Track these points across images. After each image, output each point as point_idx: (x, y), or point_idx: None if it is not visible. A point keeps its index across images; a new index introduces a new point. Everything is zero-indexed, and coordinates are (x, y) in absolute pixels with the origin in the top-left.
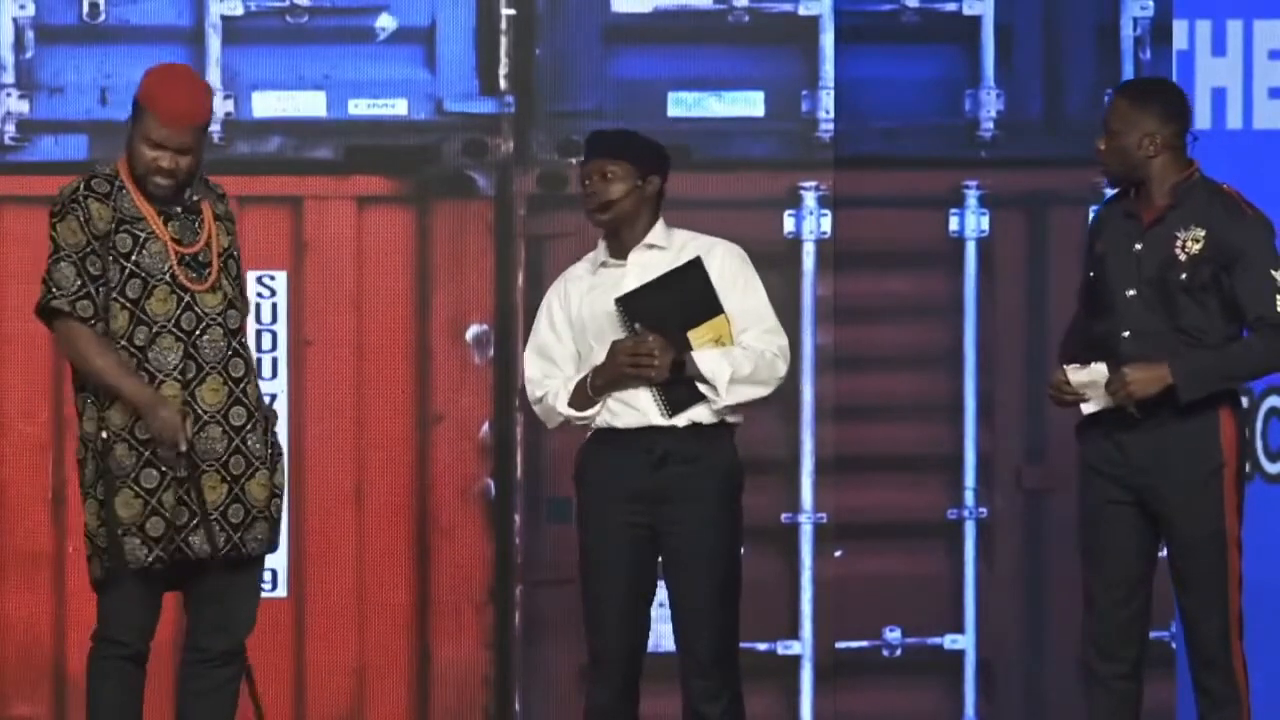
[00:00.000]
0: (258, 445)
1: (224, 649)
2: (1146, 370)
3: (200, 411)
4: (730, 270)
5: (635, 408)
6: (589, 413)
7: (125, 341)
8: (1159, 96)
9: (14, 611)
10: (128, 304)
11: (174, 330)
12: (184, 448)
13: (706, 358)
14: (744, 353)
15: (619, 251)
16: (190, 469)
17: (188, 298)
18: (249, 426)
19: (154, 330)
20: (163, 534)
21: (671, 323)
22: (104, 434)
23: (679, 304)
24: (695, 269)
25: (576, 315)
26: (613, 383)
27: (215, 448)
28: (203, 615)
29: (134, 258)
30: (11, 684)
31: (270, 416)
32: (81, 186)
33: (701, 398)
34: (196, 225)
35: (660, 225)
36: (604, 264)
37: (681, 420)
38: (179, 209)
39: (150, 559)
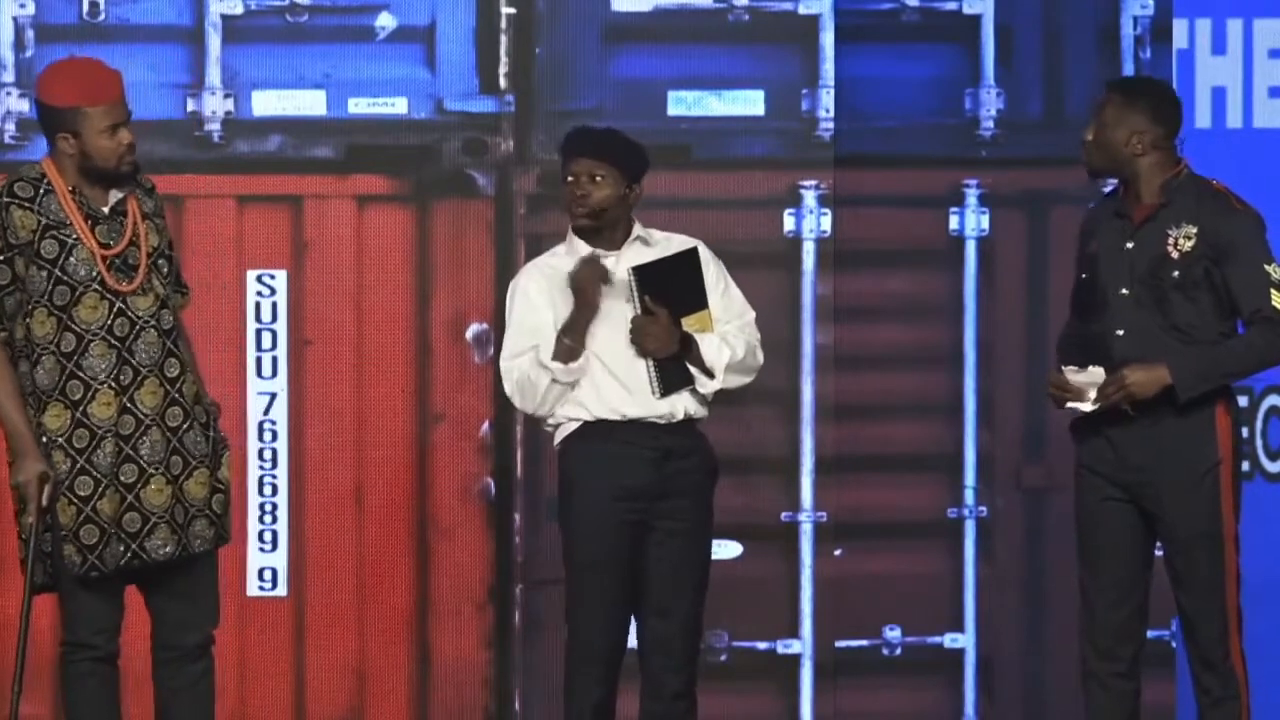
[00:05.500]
0: (195, 443)
1: (194, 644)
2: (1145, 372)
3: (141, 415)
4: (712, 268)
5: (631, 392)
6: (574, 365)
7: (53, 348)
8: (1151, 96)
9: (14, 611)
10: (55, 311)
11: (106, 337)
12: (30, 517)
13: (706, 342)
14: (735, 341)
15: (607, 244)
16: (42, 528)
17: (119, 303)
18: (185, 426)
19: (84, 338)
20: (97, 541)
21: (667, 306)
22: (43, 439)
23: (675, 290)
24: (691, 259)
25: (564, 308)
26: (585, 308)
27: (158, 451)
28: (167, 613)
29: (60, 264)
30: (11, 683)
31: (212, 411)
32: (4, 193)
33: (691, 381)
34: (121, 226)
35: (638, 224)
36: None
37: (679, 413)
38: (105, 210)
39: (84, 567)
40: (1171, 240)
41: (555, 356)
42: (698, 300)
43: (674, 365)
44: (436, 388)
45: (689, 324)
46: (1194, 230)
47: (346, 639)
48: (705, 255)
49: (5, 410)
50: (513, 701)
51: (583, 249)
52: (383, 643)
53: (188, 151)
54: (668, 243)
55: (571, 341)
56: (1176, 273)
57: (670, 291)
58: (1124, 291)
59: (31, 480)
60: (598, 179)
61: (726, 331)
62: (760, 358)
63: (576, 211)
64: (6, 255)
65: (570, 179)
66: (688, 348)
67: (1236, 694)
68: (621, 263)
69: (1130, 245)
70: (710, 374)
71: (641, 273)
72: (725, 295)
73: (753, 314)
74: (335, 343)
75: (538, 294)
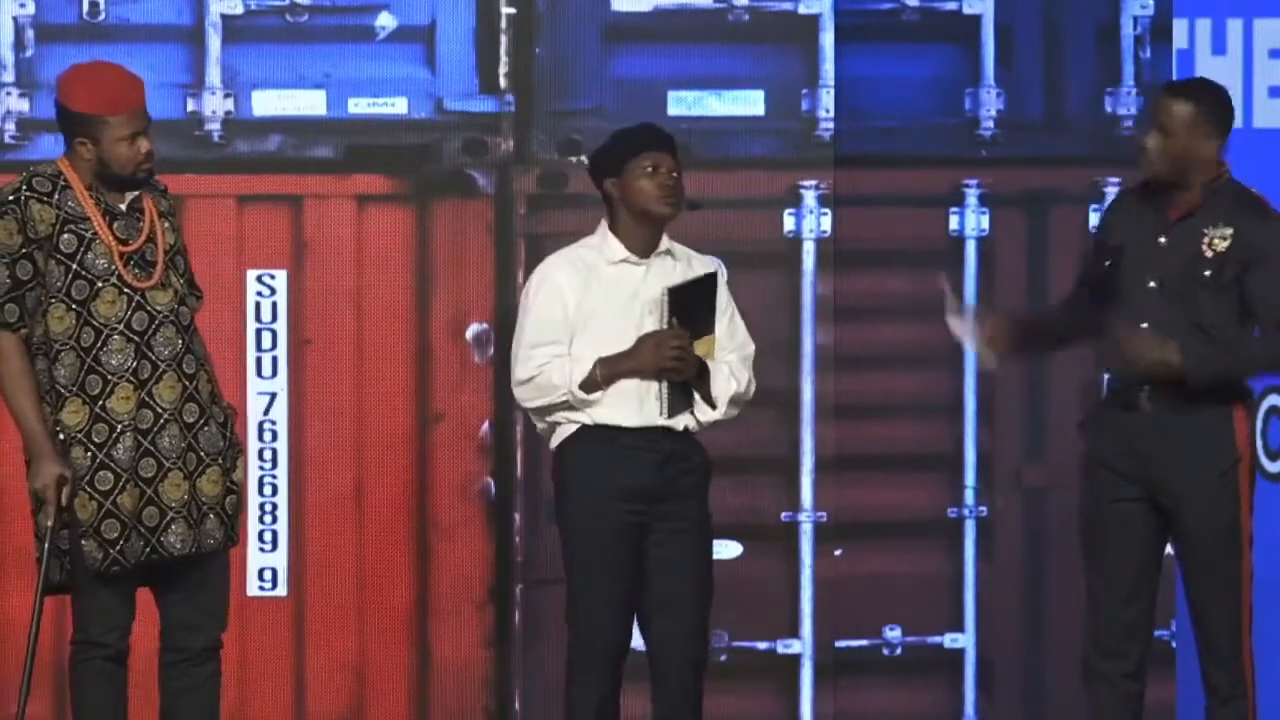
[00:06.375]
0: (210, 441)
1: (202, 646)
2: (1156, 340)
3: (159, 410)
4: (724, 294)
5: (639, 404)
6: (592, 397)
7: (71, 342)
8: (1211, 100)
9: (14, 611)
10: (74, 305)
11: (125, 331)
12: (49, 520)
13: (717, 372)
14: (739, 373)
15: (641, 250)
16: (59, 528)
17: (137, 297)
18: (201, 423)
19: (103, 332)
20: (119, 535)
21: (686, 329)
22: (60, 435)
23: (694, 313)
24: (711, 284)
25: (587, 304)
26: (639, 371)
27: (176, 446)
28: (176, 614)
29: (79, 259)
30: (12, 684)
31: (230, 413)
32: (23, 187)
33: (692, 405)
34: (139, 223)
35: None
36: (624, 260)
37: (679, 424)
38: (123, 207)
39: (106, 562)
40: (1207, 240)
41: (582, 385)
42: (709, 325)
43: (683, 389)
44: (436, 388)
45: (696, 348)
46: (1230, 232)
47: (346, 639)
48: (719, 280)
49: (23, 411)
50: (513, 701)
51: (618, 249)
52: (383, 643)
53: (188, 151)
54: (688, 257)
55: (602, 380)
56: (1208, 272)
57: (691, 314)
58: (1151, 285)
59: (50, 485)
60: (675, 175)
61: (729, 361)
62: (753, 391)
63: (668, 201)
64: (28, 249)
65: (652, 167)
66: (701, 375)
67: (1244, 693)
68: (650, 273)
69: (1163, 240)
70: (713, 404)
71: (674, 294)
72: (731, 322)
73: (753, 348)
74: (335, 343)
75: (567, 285)
